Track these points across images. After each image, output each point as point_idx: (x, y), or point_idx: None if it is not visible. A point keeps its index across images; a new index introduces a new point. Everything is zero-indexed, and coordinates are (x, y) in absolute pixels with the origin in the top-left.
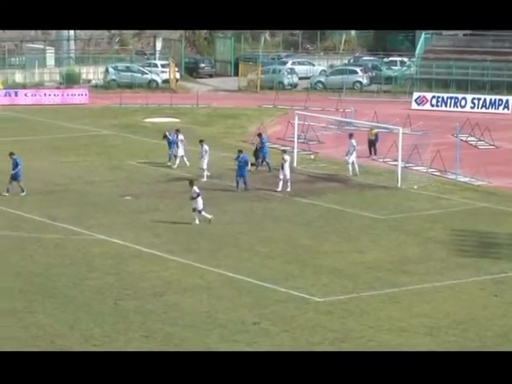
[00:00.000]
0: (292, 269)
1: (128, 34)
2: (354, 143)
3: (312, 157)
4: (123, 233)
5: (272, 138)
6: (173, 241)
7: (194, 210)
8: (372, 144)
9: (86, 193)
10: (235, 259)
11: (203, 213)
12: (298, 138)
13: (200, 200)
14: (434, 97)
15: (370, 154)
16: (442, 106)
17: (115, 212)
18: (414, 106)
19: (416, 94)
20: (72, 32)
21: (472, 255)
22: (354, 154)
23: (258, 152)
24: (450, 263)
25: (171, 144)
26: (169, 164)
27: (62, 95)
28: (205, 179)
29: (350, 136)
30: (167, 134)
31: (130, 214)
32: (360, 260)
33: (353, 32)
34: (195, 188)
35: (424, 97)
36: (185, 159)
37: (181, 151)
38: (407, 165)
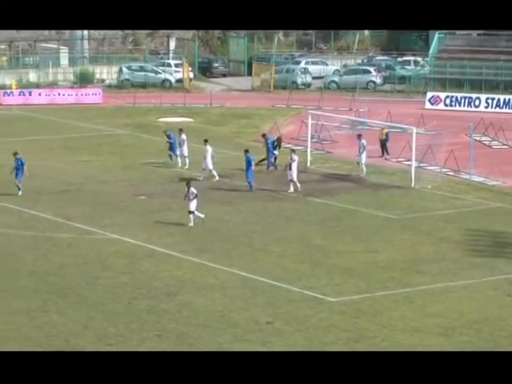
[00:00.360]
0: (305, 268)
1: (141, 33)
2: (365, 143)
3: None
4: (136, 232)
5: (285, 137)
6: (186, 240)
7: (193, 212)
8: (383, 144)
9: (99, 192)
10: (248, 259)
11: (192, 215)
12: (312, 138)
13: (195, 201)
14: (447, 96)
15: (383, 153)
16: (455, 105)
17: (129, 211)
18: (428, 105)
19: (430, 94)
20: (86, 32)
21: (486, 255)
22: (364, 154)
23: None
24: (464, 263)
25: (173, 145)
26: (180, 166)
27: (76, 95)
28: (217, 178)
29: (359, 137)
30: (167, 139)
31: (143, 213)
32: (373, 260)
33: (366, 32)
34: (192, 189)
35: (438, 96)
36: (178, 159)
37: (180, 151)
38: (421, 165)
